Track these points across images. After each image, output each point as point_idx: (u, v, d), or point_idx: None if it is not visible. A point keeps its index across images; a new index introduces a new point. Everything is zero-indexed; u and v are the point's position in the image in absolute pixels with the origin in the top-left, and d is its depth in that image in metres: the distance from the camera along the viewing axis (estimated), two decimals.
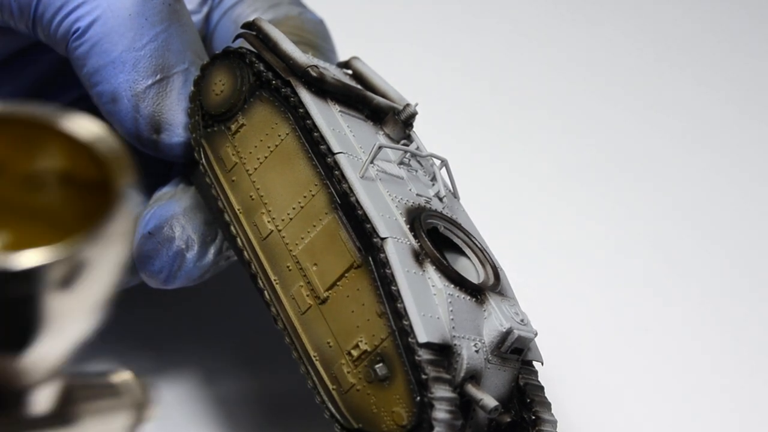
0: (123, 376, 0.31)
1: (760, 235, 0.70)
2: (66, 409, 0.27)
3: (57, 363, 0.25)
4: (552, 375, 0.47)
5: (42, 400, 0.26)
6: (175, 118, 0.46)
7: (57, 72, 0.50)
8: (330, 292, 0.39)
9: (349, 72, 0.50)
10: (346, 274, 0.39)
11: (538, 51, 0.86)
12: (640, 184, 0.74)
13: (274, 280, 0.41)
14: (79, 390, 0.28)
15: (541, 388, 0.41)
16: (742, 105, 0.83)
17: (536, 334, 0.40)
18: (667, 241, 0.69)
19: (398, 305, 0.37)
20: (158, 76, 0.45)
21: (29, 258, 0.21)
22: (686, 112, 0.81)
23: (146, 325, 0.55)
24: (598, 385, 0.51)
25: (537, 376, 0.42)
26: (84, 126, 0.24)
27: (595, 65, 0.86)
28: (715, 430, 0.55)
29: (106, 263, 0.23)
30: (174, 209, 0.45)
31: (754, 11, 0.94)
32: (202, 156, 0.45)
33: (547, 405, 0.41)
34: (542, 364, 0.42)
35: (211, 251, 0.46)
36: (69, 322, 0.24)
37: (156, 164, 0.48)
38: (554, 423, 0.40)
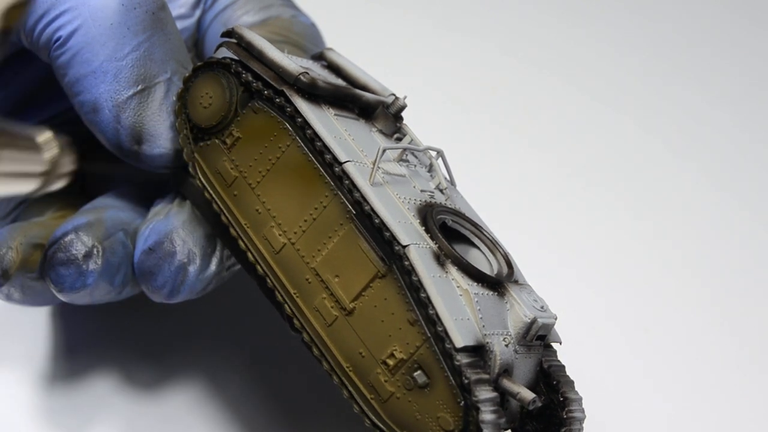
0: (43, 134, 0.30)
1: (760, 235, 0.72)
2: None
3: None
4: None
5: None
6: (157, 129, 0.45)
7: (46, 81, 0.48)
8: (356, 302, 0.40)
9: (325, 64, 0.49)
10: (371, 284, 0.39)
11: (528, 45, 0.86)
12: (640, 181, 0.75)
13: (294, 293, 0.41)
14: None
15: (563, 367, 0.42)
16: (743, 106, 0.84)
17: (556, 318, 0.41)
18: (666, 240, 0.70)
19: (430, 312, 0.38)
20: (140, 87, 0.44)
21: None
22: (687, 112, 0.82)
23: (151, 332, 0.55)
24: (597, 386, 0.52)
25: (556, 356, 0.43)
26: None
27: (588, 58, 0.86)
28: (716, 430, 0.57)
29: None
30: (173, 223, 0.45)
31: (753, 14, 0.95)
32: (198, 171, 0.44)
33: (571, 383, 0.42)
34: (560, 343, 0.43)
35: (213, 263, 0.45)
36: None
37: (152, 174, 0.47)
38: (580, 400, 0.41)
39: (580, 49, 0.87)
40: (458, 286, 0.39)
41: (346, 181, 0.40)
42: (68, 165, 0.31)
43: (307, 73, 0.42)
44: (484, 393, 0.37)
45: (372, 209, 0.40)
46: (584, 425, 0.41)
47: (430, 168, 0.46)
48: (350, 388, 0.40)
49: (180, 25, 0.52)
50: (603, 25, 0.91)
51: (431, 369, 0.38)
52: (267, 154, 0.42)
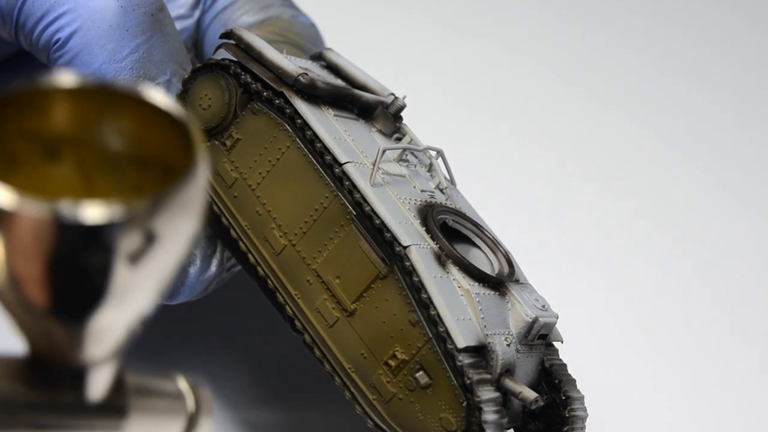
0: (179, 382, 0.30)
1: (761, 235, 0.71)
2: (119, 400, 0.25)
3: (116, 341, 0.24)
4: None
5: (96, 384, 0.24)
6: None
7: None
8: (357, 304, 0.40)
9: (324, 64, 0.49)
10: (372, 285, 0.39)
11: (527, 45, 0.86)
12: (640, 180, 0.74)
13: (295, 294, 0.41)
14: (134, 385, 0.26)
15: (565, 365, 0.42)
16: (743, 105, 0.84)
17: (558, 317, 0.41)
18: (667, 239, 0.69)
19: (431, 312, 0.38)
20: None
21: (100, 211, 0.20)
22: (687, 112, 0.82)
23: (151, 332, 0.54)
24: (599, 384, 0.52)
25: (558, 354, 0.43)
26: (157, 97, 0.23)
27: (588, 58, 0.86)
28: (716, 429, 0.57)
29: (176, 236, 0.22)
30: None
31: (754, 14, 0.95)
32: None
33: (573, 382, 0.42)
34: (562, 342, 0.43)
35: (213, 265, 0.45)
36: (133, 296, 0.22)
37: None
38: (582, 399, 0.41)
39: (580, 48, 0.87)
40: (459, 287, 0.39)
41: (347, 182, 0.40)
42: (207, 415, 0.30)
43: (306, 73, 0.42)
44: (487, 393, 0.37)
45: (372, 210, 0.40)
46: (586, 424, 0.41)
47: (430, 168, 0.46)
48: (352, 389, 0.40)
49: (179, 25, 0.51)
50: (603, 24, 0.91)
51: (433, 369, 0.38)
52: (267, 155, 0.42)
